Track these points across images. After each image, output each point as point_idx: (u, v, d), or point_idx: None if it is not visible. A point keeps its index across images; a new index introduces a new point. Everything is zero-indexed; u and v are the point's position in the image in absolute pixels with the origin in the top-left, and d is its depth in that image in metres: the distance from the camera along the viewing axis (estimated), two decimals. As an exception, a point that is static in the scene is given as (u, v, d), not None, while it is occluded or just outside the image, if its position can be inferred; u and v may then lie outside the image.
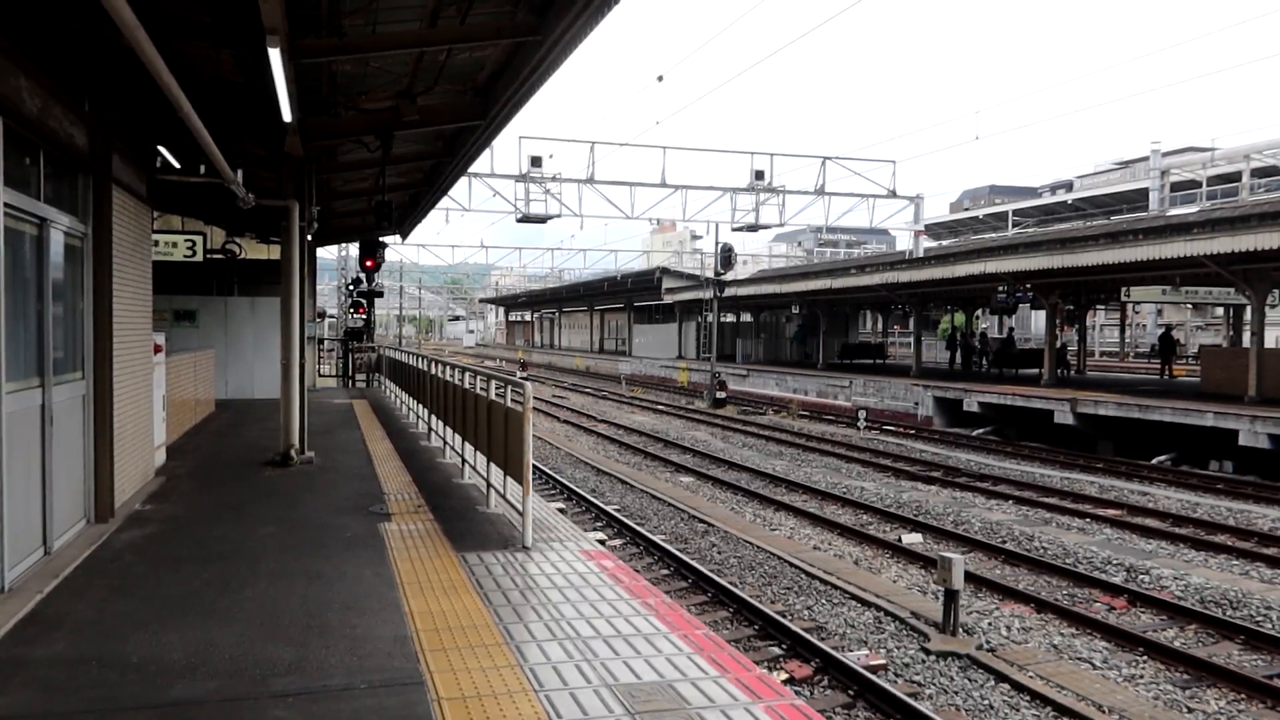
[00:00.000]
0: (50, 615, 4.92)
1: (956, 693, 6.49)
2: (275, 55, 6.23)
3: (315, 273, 24.74)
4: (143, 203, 8.47)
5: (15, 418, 5.37)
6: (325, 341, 30.91)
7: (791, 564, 9.75)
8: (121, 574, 5.75)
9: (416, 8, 7.82)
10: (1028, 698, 6.39)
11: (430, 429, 12.28)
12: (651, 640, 4.70)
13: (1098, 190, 51.17)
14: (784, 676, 6.62)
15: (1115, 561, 9.95)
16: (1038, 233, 37.17)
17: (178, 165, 9.15)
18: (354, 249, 31.86)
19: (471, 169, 22.28)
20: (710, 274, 30.91)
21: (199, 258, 16.84)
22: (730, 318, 43.42)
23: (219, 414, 15.45)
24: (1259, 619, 8.12)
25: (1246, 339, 20.29)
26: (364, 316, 23.23)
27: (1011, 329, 34.65)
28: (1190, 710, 6.34)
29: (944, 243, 48.63)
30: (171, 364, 10.99)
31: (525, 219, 29.34)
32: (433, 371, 11.63)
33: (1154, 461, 16.98)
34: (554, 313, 70.43)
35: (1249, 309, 19.48)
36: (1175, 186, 40.28)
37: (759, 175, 31.08)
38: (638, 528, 10.99)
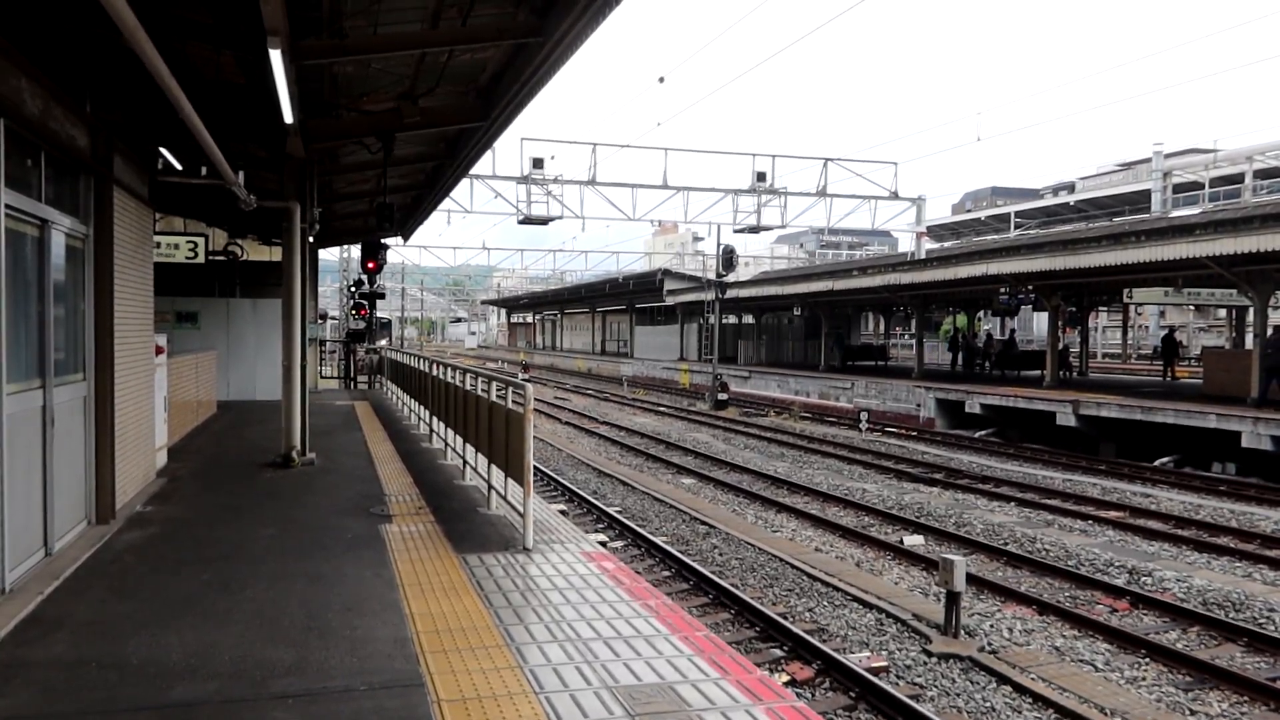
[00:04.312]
0: (51, 616, 4.92)
1: (958, 695, 6.48)
2: (276, 57, 6.23)
3: (317, 274, 24.74)
4: (144, 204, 8.48)
5: (16, 419, 5.37)
6: (327, 343, 30.93)
7: (793, 566, 9.73)
8: (122, 575, 5.75)
9: (418, 9, 7.83)
10: (1030, 700, 6.38)
11: (432, 430, 12.28)
12: (652, 642, 4.69)
13: (1100, 192, 51.12)
14: (785, 678, 6.61)
15: (1117, 563, 9.93)
16: (1040, 234, 37.13)
17: (179, 167, 9.17)
18: (356, 250, 31.89)
19: (473, 170, 22.30)
20: (712, 275, 30.90)
21: (201, 259, 16.83)
22: (732, 319, 43.41)
23: (221, 415, 15.46)
24: (1262, 621, 8.10)
25: (1249, 340, 20.25)
26: (366, 317, 23.23)
27: (1013, 331, 34.62)
28: (1192, 713, 6.32)
29: (946, 244, 48.59)
30: (173, 365, 11.00)
31: (527, 220, 29.32)
32: (434, 373, 11.63)
33: (1156, 463, 16.95)
34: (556, 314, 70.45)
35: (1252, 310, 19.45)
36: (1178, 188, 40.22)
37: (761, 177, 31.04)
38: (639, 529, 10.98)
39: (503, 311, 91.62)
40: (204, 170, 8.68)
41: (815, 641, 7.14)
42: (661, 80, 26.08)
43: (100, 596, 5.30)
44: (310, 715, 3.74)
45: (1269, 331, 18.23)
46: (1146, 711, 6.26)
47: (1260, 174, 38.16)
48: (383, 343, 40.91)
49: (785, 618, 7.92)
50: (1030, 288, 23.24)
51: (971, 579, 8.91)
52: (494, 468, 7.70)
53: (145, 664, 4.24)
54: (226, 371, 17.73)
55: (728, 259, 28.51)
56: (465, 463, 9.44)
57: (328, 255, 41.39)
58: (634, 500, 13.43)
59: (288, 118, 7.87)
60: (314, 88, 9.34)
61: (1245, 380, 18.12)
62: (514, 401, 7.06)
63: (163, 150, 8.89)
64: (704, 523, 11.83)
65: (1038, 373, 25.96)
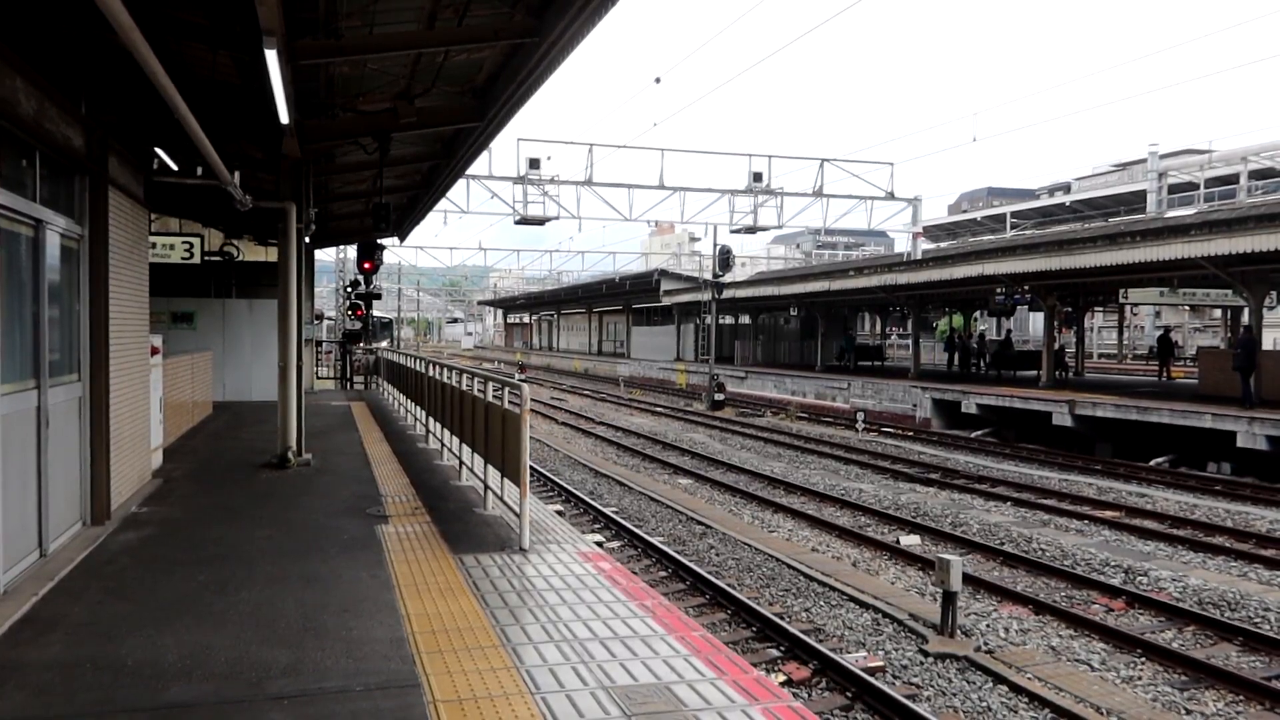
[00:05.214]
0: (46, 617, 4.91)
1: (955, 694, 6.48)
2: (272, 57, 6.22)
3: (313, 275, 24.73)
4: (140, 204, 8.46)
5: (10, 420, 5.36)
6: (323, 344, 30.88)
7: (790, 566, 9.74)
8: (117, 576, 5.74)
9: (414, 9, 7.82)
10: (1026, 699, 6.39)
11: (428, 431, 12.27)
12: (648, 642, 4.69)
13: (1096, 192, 51.24)
14: (782, 678, 6.61)
15: (1113, 563, 9.95)
16: (1036, 235, 37.19)
17: (175, 167, 9.13)
18: (352, 251, 31.86)
19: (469, 171, 22.29)
20: (709, 276, 30.92)
21: (197, 260, 16.83)
22: (729, 319, 43.42)
23: (216, 416, 15.43)
24: (1257, 620, 8.13)
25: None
26: (362, 317, 23.23)
27: (1009, 331, 34.67)
28: (1188, 712, 6.33)
29: (942, 245, 48.64)
30: (168, 366, 10.98)
31: (523, 221, 29.34)
32: (430, 374, 11.62)
33: (1152, 463, 16.98)
34: (552, 315, 70.45)
35: (1247, 310, 19.50)
36: (1173, 188, 40.33)
37: (757, 177, 31.07)
38: (635, 530, 10.98)
39: (499, 312, 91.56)
40: (200, 170, 8.65)
41: (812, 641, 7.14)
42: (658, 81, 26.10)
43: (96, 598, 5.29)
44: (306, 716, 3.73)
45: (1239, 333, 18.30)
46: (1143, 711, 6.27)
47: (1255, 174, 38.25)
48: (384, 343, 40.88)
49: (782, 618, 7.92)
50: (1026, 288, 23.27)
51: (968, 579, 8.92)
52: (490, 468, 7.69)
53: (141, 665, 4.23)
54: (222, 372, 17.70)
55: (724, 259, 28.51)
56: (461, 463, 9.43)
57: (324, 256, 41.35)
58: (631, 500, 13.42)
59: (284, 118, 7.86)
60: (310, 88, 9.33)
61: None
62: (510, 402, 7.06)
63: (158, 150, 8.86)
64: (700, 523, 11.83)
65: (1034, 373, 25.99)
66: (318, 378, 25.13)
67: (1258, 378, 17.79)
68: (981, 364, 29.94)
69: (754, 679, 4.24)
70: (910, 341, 30.52)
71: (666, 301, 42.13)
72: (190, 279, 17.43)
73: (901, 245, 46.58)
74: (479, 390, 8.21)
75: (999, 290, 24.46)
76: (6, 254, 5.33)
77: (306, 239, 11.39)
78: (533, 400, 6.82)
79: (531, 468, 10.08)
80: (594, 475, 15.65)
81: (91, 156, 6.83)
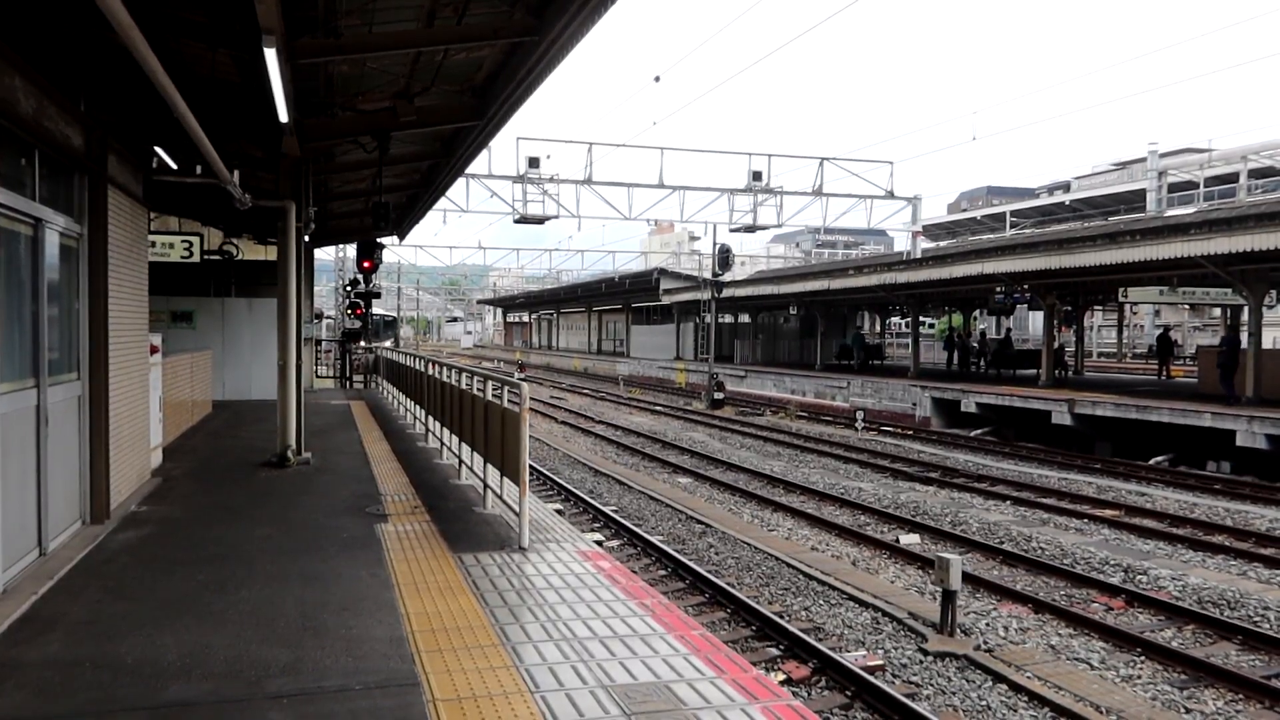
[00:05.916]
0: (45, 616, 4.91)
1: (954, 693, 6.48)
2: (272, 55, 6.22)
3: (313, 274, 24.75)
4: (139, 203, 8.46)
5: (10, 418, 5.36)
6: (323, 342, 30.87)
7: (789, 564, 9.74)
8: (117, 575, 5.73)
9: (413, 8, 7.82)
10: (1025, 698, 6.39)
11: (428, 430, 12.26)
12: (648, 641, 4.69)
13: (1095, 191, 51.23)
14: (781, 677, 6.62)
15: (1113, 562, 9.96)
16: (1035, 233, 37.19)
17: (174, 165, 9.12)
18: (351, 250, 31.88)
19: (469, 170, 22.30)
20: (708, 275, 30.92)
21: (196, 259, 16.81)
22: (728, 318, 43.41)
23: (216, 415, 15.42)
24: (1256, 619, 8.13)
25: (1244, 339, 20.30)
26: (362, 316, 23.23)
27: (1009, 330, 34.67)
28: (1188, 710, 6.33)
29: (941, 244, 48.67)
30: (168, 365, 10.97)
31: (523, 220, 29.37)
32: (430, 372, 11.62)
33: (1152, 462, 16.99)
34: (552, 314, 70.45)
35: (1246, 310, 19.50)
36: (1173, 187, 40.30)
37: (756, 176, 31.09)
38: (635, 528, 10.98)
39: (499, 311, 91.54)
40: (199, 169, 8.64)
41: (811, 640, 7.14)
42: (657, 79, 26.17)
43: (95, 596, 5.28)
44: (305, 715, 3.73)
45: (1226, 332, 18.37)
46: (1142, 709, 6.28)
47: (1254, 173, 38.25)
48: (388, 342, 40.76)
49: (781, 616, 7.92)
50: (1026, 287, 23.26)
51: (967, 578, 8.92)
52: (490, 467, 7.69)
53: (140, 664, 4.23)
54: (222, 371, 17.69)
55: (724, 258, 28.51)
56: (461, 462, 9.43)
57: (323, 254, 41.38)
58: (630, 499, 13.42)
59: (283, 117, 7.86)
60: (310, 86, 9.32)
61: (1240, 379, 18.16)
62: (510, 400, 7.06)
63: (158, 149, 8.85)
64: (700, 522, 11.83)
65: (1033, 371, 26.00)
66: (317, 377, 25.12)
67: (1257, 377, 17.82)
68: (981, 363, 29.96)
69: (753, 678, 4.24)
70: (910, 340, 30.52)
71: (666, 300, 42.12)
72: (189, 278, 17.42)
73: (901, 244, 46.57)
74: (478, 389, 8.20)
75: (998, 289, 24.45)
76: (6, 253, 5.33)
77: (306, 238, 11.39)
78: (532, 399, 6.82)
79: (531, 466, 10.09)
80: (593, 474, 15.65)
81: (91, 155, 6.82)
